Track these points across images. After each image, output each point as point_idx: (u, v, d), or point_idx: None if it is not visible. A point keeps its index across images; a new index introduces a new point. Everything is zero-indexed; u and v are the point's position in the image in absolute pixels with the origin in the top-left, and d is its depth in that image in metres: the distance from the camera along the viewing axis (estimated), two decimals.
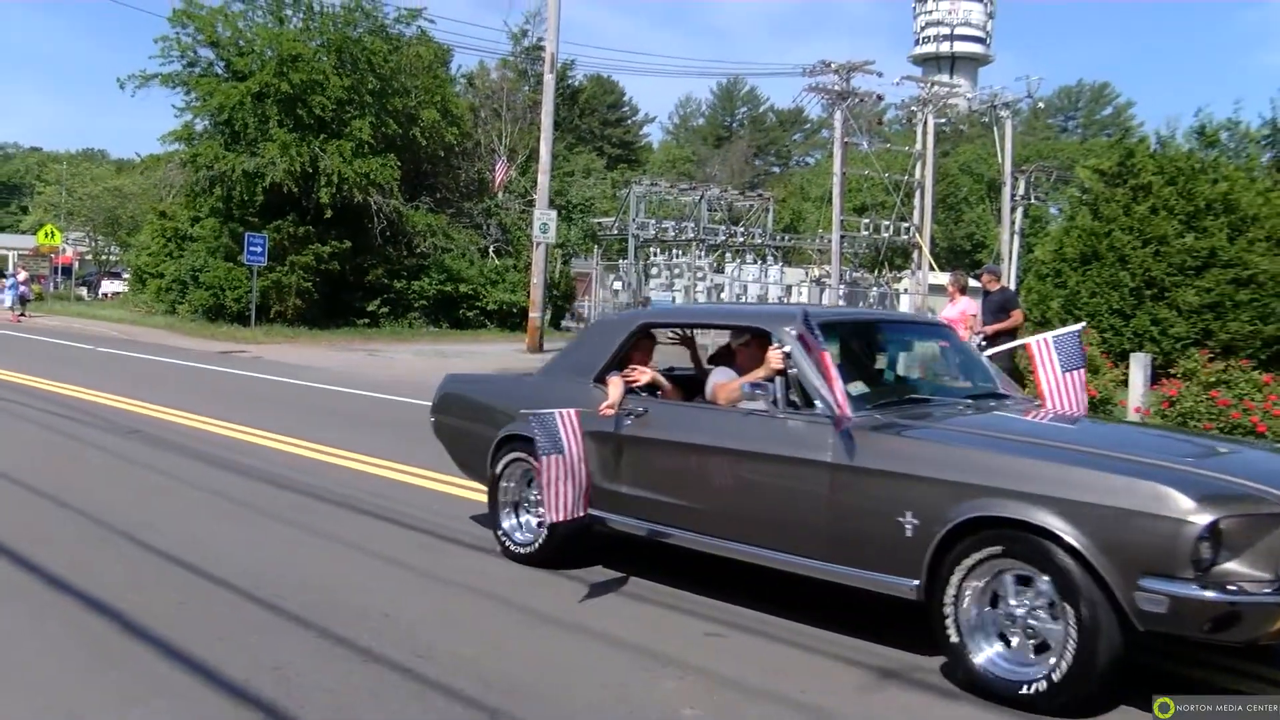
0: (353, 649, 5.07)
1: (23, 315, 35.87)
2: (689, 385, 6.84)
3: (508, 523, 6.87)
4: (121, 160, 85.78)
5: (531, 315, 27.79)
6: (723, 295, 48.59)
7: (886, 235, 49.90)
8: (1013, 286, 29.48)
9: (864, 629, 5.49)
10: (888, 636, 5.40)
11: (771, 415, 5.58)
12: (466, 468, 7.62)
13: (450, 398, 7.84)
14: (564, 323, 38.88)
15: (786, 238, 58.73)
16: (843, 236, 46.22)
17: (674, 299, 46.56)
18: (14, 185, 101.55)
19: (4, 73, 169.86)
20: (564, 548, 6.55)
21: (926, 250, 48.15)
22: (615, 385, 6.29)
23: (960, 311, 15.05)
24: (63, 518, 7.66)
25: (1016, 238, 48.42)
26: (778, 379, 5.58)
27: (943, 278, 26.33)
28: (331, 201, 32.26)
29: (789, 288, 54.71)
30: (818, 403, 5.35)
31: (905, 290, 50.94)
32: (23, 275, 41.05)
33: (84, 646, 5.08)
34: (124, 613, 5.48)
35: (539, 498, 6.42)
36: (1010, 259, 45.62)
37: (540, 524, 6.57)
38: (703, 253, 51.55)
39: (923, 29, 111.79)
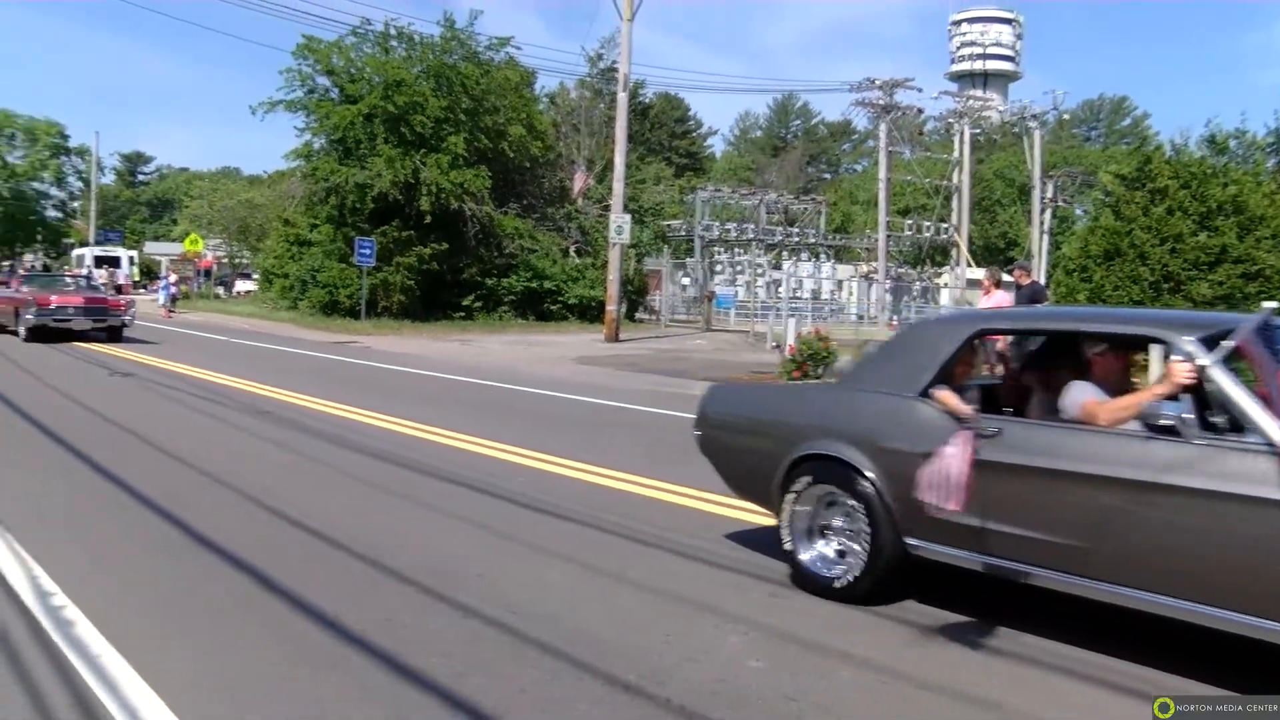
0: (452, 605, 5.09)
1: (172, 312, 36.68)
2: (986, 395, 5.50)
3: (807, 554, 5.49)
4: (252, 176, 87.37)
5: (608, 308, 27.85)
6: (780, 290, 48.29)
7: (928, 235, 49.40)
8: (1042, 280, 28.95)
9: (911, 590, 5.37)
10: (931, 598, 5.31)
11: (1186, 441, 4.20)
12: (742, 488, 6.21)
13: (722, 411, 6.35)
14: (637, 315, 38.84)
15: (837, 237, 58.25)
16: (888, 236, 45.88)
17: (736, 294, 46.35)
18: (167, 200, 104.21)
19: (161, 106, 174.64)
20: (885, 580, 5.21)
21: (964, 248, 47.52)
22: (955, 400, 5.00)
23: (995, 303, 14.84)
24: (203, 484, 7.81)
25: (1046, 236, 47.61)
26: (1184, 398, 4.32)
27: (980, 273, 25.95)
28: (431, 208, 32.60)
29: (840, 283, 54.28)
30: (1250, 429, 4.10)
31: (945, 285, 50.31)
32: (173, 277, 42.13)
33: (227, 596, 5.17)
34: (257, 568, 5.57)
35: (843, 525, 5.38)
36: (1040, 255, 44.85)
37: (842, 553, 5.40)
38: (761, 251, 51.31)
39: (958, 49, 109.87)
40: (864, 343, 18.65)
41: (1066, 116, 59.87)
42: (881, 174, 45.17)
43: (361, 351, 22.86)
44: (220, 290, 56.97)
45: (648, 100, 69.39)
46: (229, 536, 6.19)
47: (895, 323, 38.81)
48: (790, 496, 5.52)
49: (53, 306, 21.69)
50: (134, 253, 62.32)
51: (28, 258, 77.38)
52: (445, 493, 7.80)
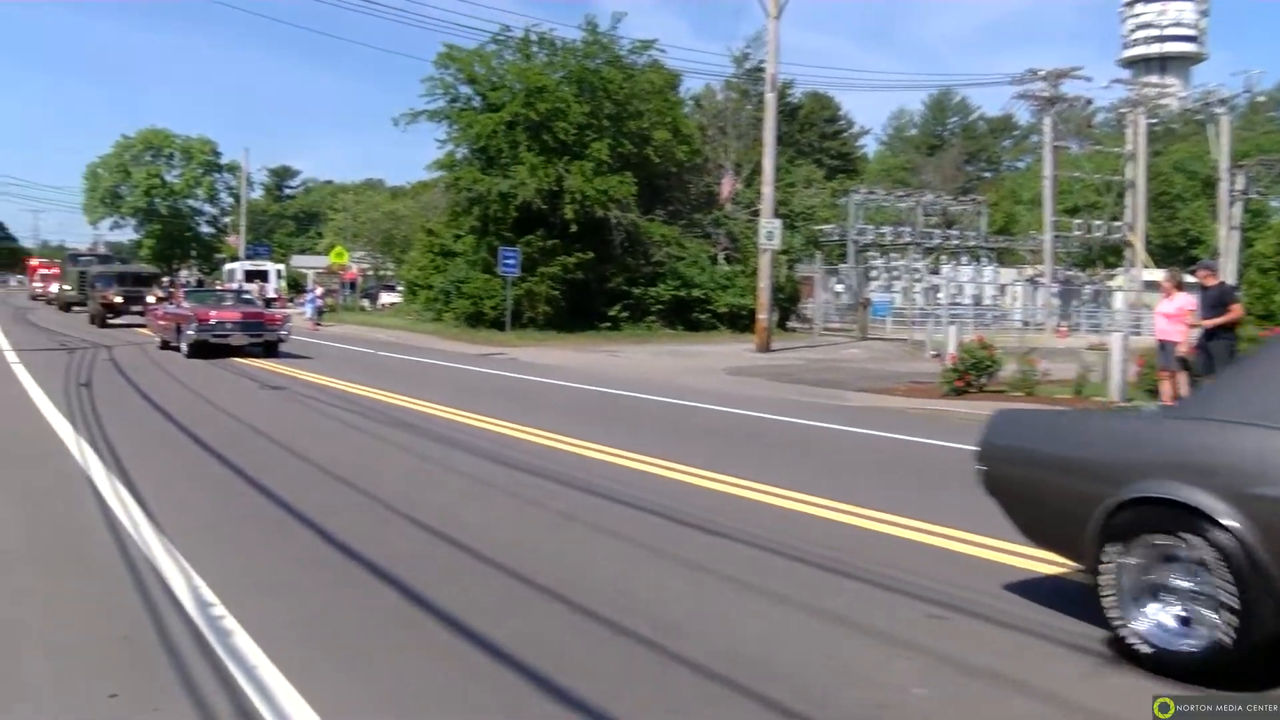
0: (605, 623, 5.13)
1: (318, 325, 38.03)
2: None
3: (1140, 621, 4.59)
4: (395, 187, 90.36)
5: (759, 317, 27.79)
6: (939, 295, 47.34)
7: (1098, 234, 47.71)
8: (1231, 281, 27.60)
9: (1095, 615, 5.05)
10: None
11: None
12: (1042, 535, 5.38)
13: (1016, 443, 5.51)
14: (789, 323, 38.61)
15: (999, 239, 56.77)
16: (1055, 236, 44.41)
17: (893, 300, 45.62)
18: (312, 214, 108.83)
19: (306, 120, 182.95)
20: (1253, 657, 4.31)
21: (1140, 248, 45.67)
22: None
23: (1178, 307, 14.24)
24: (352, 498, 8.09)
25: (1235, 233, 45.29)
26: None
27: (1159, 274, 24.89)
28: (575, 216, 33.16)
29: (1003, 287, 52.91)
30: None
31: (1119, 288, 48.43)
32: (319, 290, 43.79)
33: (378, 610, 5.34)
34: (408, 582, 5.72)
35: (1190, 586, 4.48)
36: (1230, 254, 42.71)
37: (1188, 620, 4.48)
38: (919, 255, 50.37)
39: (1131, 32, 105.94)
40: (1029, 350, 18.11)
41: (1262, 99, 56.71)
42: (1046, 170, 43.78)
43: (507, 363, 23.35)
44: (365, 302, 58.83)
45: (796, 100, 69.02)
46: (379, 550, 6.39)
47: (1064, 329, 37.60)
48: (1114, 548, 4.68)
49: (212, 322, 22.48)
50: (281, 266, 64.67)
51: (183, 273, 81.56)
52: (598, 508, 7.88)
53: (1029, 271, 51.68)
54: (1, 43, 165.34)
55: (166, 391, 15.74)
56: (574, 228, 33.51)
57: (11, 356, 21.15)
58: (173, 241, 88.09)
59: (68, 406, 13.10)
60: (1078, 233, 47.83)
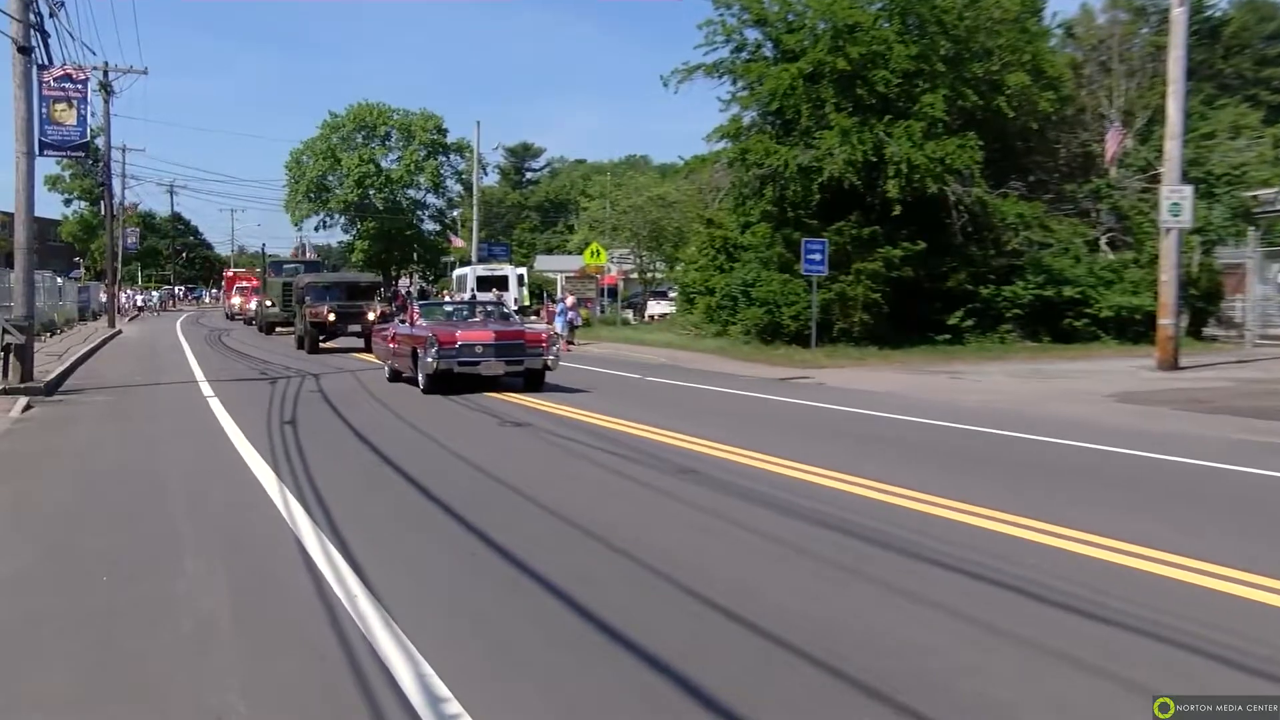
0: None
1: (571, 343, 39.26)
2: None
3: None
4: (664, 165, 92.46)
5: (1161, 322, 26.79)
6: None
7: None
8: None
9: None
10: None
11: None
12: None
13: None
14: (1206, 330, 36.94)
15: None
16: None
17: None
18: (560, 203, 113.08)
19: (552, 89, 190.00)
20: None
21: None
22: None
23: None
24: (613, 561, 8.36)
25: None
26: None
27: None
28: (900, 195, 32.86)
29: None
30: None
31: None
32: (570, 300, 45.17)
33: (648, 708, 5.48)
34: (681, 671, 5.85)
35: None
36: None
37: None
38: None
39: None
40: None
41: None
42: None
43: (813, 390, 23.48)
44: (629, 313, 60.17)
45: (1219, 14, 65.99)
46: (647, 629, 6.58)
47: None
48: None
49: (458, 345, 21.83)
50: (523, 270, 66.15)
51: (402, 281, 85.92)
52: (943, 582, 7.77)
53: None
54: (187, 15, 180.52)
55: (382, 426, 16.74)
56: (899, 210, 33.28)
57: (206, 389, 23.02)
58: (390, 242, 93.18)
59: (270, 449, 14.15)
60: None
